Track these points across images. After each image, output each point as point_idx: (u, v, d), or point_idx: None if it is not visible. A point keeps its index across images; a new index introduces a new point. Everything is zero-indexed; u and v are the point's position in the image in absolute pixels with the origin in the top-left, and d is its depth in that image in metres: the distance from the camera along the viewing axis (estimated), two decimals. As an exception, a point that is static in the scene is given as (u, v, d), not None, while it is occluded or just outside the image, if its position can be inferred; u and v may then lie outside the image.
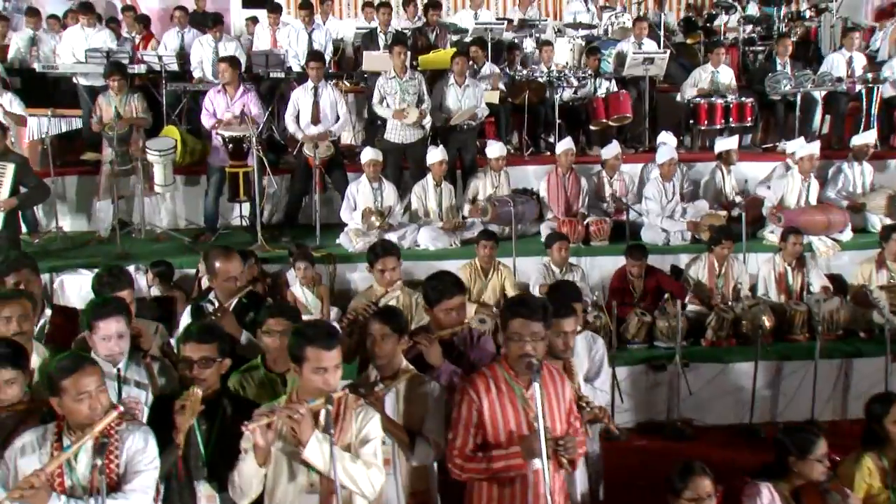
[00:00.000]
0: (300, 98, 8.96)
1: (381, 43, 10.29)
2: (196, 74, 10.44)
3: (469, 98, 9.30)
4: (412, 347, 3.97)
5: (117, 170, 8.33)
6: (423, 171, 9.08)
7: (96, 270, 4.85)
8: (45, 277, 7.70)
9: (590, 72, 10.64)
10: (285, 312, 4.02)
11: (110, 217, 8.77)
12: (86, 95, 9.85)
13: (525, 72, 10.54)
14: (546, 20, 13.41)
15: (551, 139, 10.55)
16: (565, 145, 9.00)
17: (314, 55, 9.22)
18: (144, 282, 7.41)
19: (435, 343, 3.95)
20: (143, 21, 12.18)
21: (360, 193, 8.52)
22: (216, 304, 4.65)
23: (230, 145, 8.37)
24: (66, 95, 10.02)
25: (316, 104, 8.89)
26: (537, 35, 12.48)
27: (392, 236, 8.30)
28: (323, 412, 3.20)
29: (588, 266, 8.08)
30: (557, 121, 10.44)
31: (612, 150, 9.31)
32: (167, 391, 3.84)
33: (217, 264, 4.62)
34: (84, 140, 9.71)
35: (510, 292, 7.38)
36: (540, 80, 10.37)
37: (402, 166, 9.26)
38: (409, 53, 9.13)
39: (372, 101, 9.24)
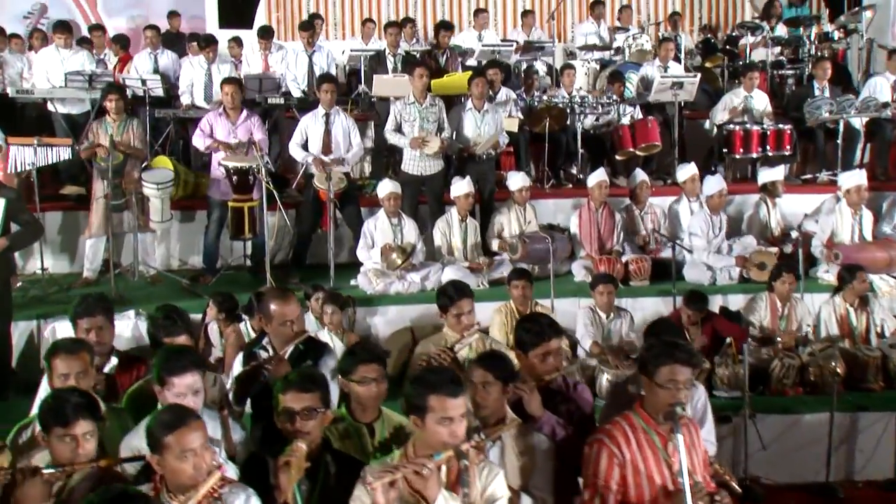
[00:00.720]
0: (309, 126, 9.04)
1: (390, 66, 10.42)
2: (185, 100, 10.51)
3: (489, 125, 9.44)
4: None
5: (111, 204, 8.29)
6: (442, 205, 9.22)
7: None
8: (31, 325, 7.72)
9: (615, 98, 10.83)
10: (377, 358, 4.04)
11: (100, 257, 8.73)
12: (64, 123, 9.88)
13: (544, 97, 10.72)
14: (552, 42, 13.64)
15: (573, 170, 10.75)
16: (598, 177, 9.14)
17: (326, 77, 9.32)
18: (144, 328, 7.38)
19: (535, 391, 3.99)
20: (121, 41, 12.25)
21: (378, 230, 8.60)
22: (270, 352, 4.65)
23: (234, 177, 8.41)
24: (35, 123, 10.02)
25: (328, 132, 8.98)
26: (543, 58, 12.72)
27: (415, 276, 8.41)
28: (446, 467, 3.21)
29: (629, 309, 8.15)
30: (580, 150, 10.68)
31: (639, 177, 9.53)
32: (249, 448, 3.83)
33: (272, 307, 4.63)
34: (62, 172, 9.70)
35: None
36: (560, 106, 10.56)
37: (419, 200, 9.34)
38: (429, 77, 9.23)
39: (385, 129, 9.34)
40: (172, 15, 13.74)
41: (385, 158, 10.35)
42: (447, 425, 3.23)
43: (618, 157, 10.63)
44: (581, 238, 9.08)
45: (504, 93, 10.69)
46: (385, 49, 10.64)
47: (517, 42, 13.01)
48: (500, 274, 8.59)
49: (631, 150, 10.52)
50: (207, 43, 10.59)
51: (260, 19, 15.04)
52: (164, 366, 3.81)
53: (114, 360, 4.79)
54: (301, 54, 10.92)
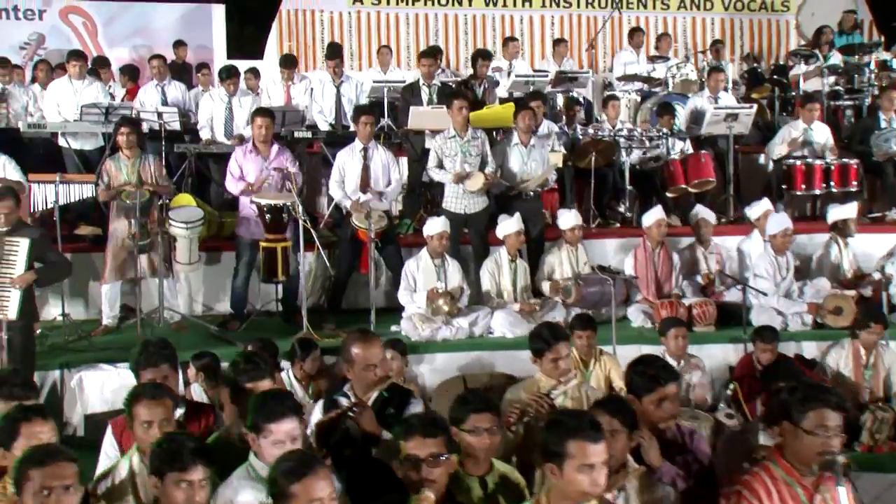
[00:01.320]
0: (346, 162, 9.17)
1: (425, 97, 10.55)
2: (204, 135, 10.62)
3: (535, 160, 9.60)
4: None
5: (137, 245, 8.35)
6: (486, 244, 9.32)
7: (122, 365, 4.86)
8: (54, 375, 7.75)
9: (664, 131, 10.97)
10: (492, 407, 4.07)
11: (118, 302, 8.79)
12: (76, 159, 9.99)
13: (590, 131, 10.84)
14: (587, 73, 13.84)
15: (620, 208, 10.87)
16: (656, 215, 9.26)
17: (363, 109, 9.47)
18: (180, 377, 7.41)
19: (654, 439, 4.03)
20: (130, 72, 12.42)
21: (422, 272, 8.69)
22: (352, 398, 4.69)
23: (268, 215, 8.48)
24: (43, 160, 10.12)
25: (366, 168, 9.09)
26: (577, 89, 12.86)
27: (462, 322, 8.49)
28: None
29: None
30: (627, 187, 10.80)
31: (700, 213, 9.66)
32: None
33: (354, 350, 4.68)
34: (71, 211, 9.77)
35: (618, 384, 7.44)
36: (606, 139, 10.68)
37: (462, 240, 9.43)
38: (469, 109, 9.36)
39: (427, 166, 9.48)
40: (178, 45, 14.06)
41: (420, 195, 10.44)
42: (588, 473, 3.27)
43: (668, 195, 10.76)
44: (637, 280, 9.16)
45: (546, 126, 10.81)
46: (419, 80, 10.78)
47: (550, 73, 13.23)
48: (552, 318, 8.65)
49: (683, 186, 10.65)
50: (229, 74, 10.69)
51: (271, 49, 15.36)
52: (260, 412, 3.85)
53: (181, 409, 4.83)
54: (328, 85, 11.08)
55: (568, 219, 9.27)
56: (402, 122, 10.54)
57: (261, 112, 9.06)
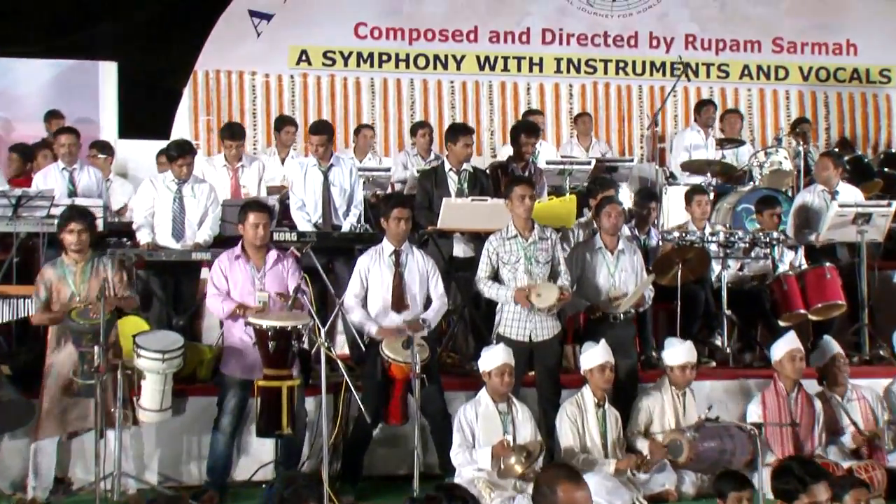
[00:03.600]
0: (371, 271, 9.57)
1: (452, 186, 11.06)
2: (142, 237, 10.81)
3: (626, 271, 10.14)
4: None
5: (81, 385, 8.64)
6: (557, 384, 9.80)
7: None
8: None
9: (774, 236, 11.66)
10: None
11: (53, 467, 9.00)
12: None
13: (674, 234, 11.45)
14: (630, 161, 14.68)
15: (716, 340, 11.45)
16: (790, 344, 9.84)
17: (397, 200, 9.94)
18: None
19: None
20: (20, 150, 12.78)
21: (483, 420, 9.04)
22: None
23: (271, 343, 8.81)
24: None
25: (398, 279, 9.52)
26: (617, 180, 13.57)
27: (540, 486, 8.84)
28: None
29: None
30: (725, 311, 11.43)
31: (832, 348, 10.24)
32: None
33: (560, 493, 5.11)
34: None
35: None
36: (696, 246, 11.28)
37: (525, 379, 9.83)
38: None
39: (477, 276, 9.88)
40: (53, 116, 14.34)
41: (457, 315, 10.95)
42: None
43: (782, 323, 11.35)
44: (767, 435, 9.57)
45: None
46: (443, 163, 11.30)
47: (586, 158, 14.04)
48: (660, 487, 9.12)
49: (802, 311, 11.29)
50: (181, 152, 10.97)
51: (182, 123, 15.86)
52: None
53: None
54: (312, 170, 11.47)
55: (678, 353, 9.74)
56: (419, 220, 10.98)
57: (255, 207, 9.41)
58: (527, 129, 12.03)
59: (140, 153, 14.99)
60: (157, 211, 10.99)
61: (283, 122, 14.49)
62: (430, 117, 16.48)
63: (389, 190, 13.72)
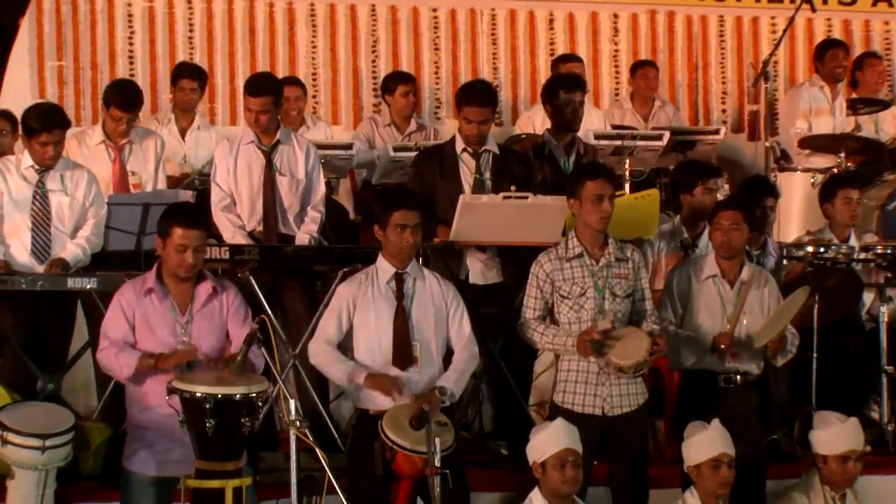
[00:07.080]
0: (357, 305, 9.53)
1: (466, 175, 10.97)
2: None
3: (752, 314, 10.02)
4: None
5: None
6: (645, 478, 9.74)
7: None
8: None
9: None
10: None
11: None
12: None
13: (806, 250, 11.37)
14: (718, 131, 14.60)
15: (872, 410, 11.44)
16: None
17: (402, 198, 9.74)
18: None
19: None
20: None
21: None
22: None
23: (210, 421, 8.70)
24: None
25: (401, 317, 9.46)
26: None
27: None
28: None
29: None
30: (885, 367, 11.40)
31: None
32: None
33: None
34: None
35: None
36: (841, 265, 11.26)
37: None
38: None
39: (522, 315, 9.82)
40: None
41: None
42: None
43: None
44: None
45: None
46: (454, 142, 11.16)
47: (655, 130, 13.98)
48: None
49: None
50: (46, 125, 10.69)
51: (18, 77, 15.64)
52: None
53: None
54: (246, 149, 11.38)
55: (835, 436, 9.73)
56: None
57: (186, 218, 9.19)
58: (566, 84, 11.88)
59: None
60: (8, 213, 10.79)
61: (181, 74, 14.45)
62: (402, 64, 16.30)
63: (350, 180, 13.58)
